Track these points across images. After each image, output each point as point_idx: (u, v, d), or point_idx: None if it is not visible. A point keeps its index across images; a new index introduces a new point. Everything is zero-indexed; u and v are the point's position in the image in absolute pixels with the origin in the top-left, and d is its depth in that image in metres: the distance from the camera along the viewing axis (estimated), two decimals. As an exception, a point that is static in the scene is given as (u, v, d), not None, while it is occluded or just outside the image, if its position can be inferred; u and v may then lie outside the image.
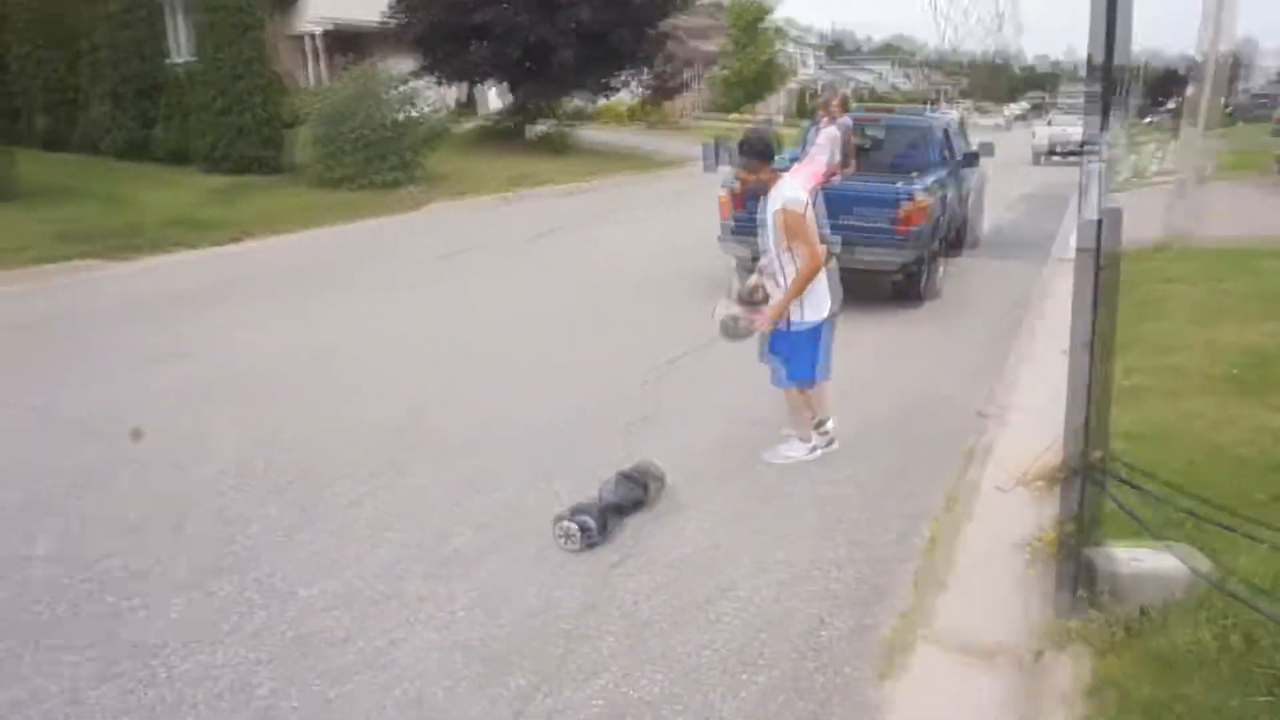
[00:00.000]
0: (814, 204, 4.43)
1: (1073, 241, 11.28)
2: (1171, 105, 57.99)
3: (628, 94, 26.94)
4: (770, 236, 4.42)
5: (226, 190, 12.69)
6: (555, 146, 20.26)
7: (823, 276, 4.41)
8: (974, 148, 10.12)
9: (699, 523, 3.87)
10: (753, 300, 4.59)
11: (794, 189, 4.36)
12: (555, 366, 6.15)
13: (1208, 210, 10.08)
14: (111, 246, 9.01)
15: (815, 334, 4.47)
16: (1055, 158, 28.97)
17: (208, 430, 4.84)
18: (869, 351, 6.52)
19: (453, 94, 26.45)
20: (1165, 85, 71.06)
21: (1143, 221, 12.12)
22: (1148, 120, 59.76)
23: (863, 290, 8.36)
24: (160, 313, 7.11)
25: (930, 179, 7.76)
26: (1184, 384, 5.21)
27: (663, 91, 31.30)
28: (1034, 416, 5.22)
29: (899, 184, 7.30)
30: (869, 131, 8.87)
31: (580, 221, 12.75)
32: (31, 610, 3.16)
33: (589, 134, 24.18)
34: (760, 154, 4.37)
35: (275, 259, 9.49)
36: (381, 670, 2.86)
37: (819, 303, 4.46)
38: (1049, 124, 29.13)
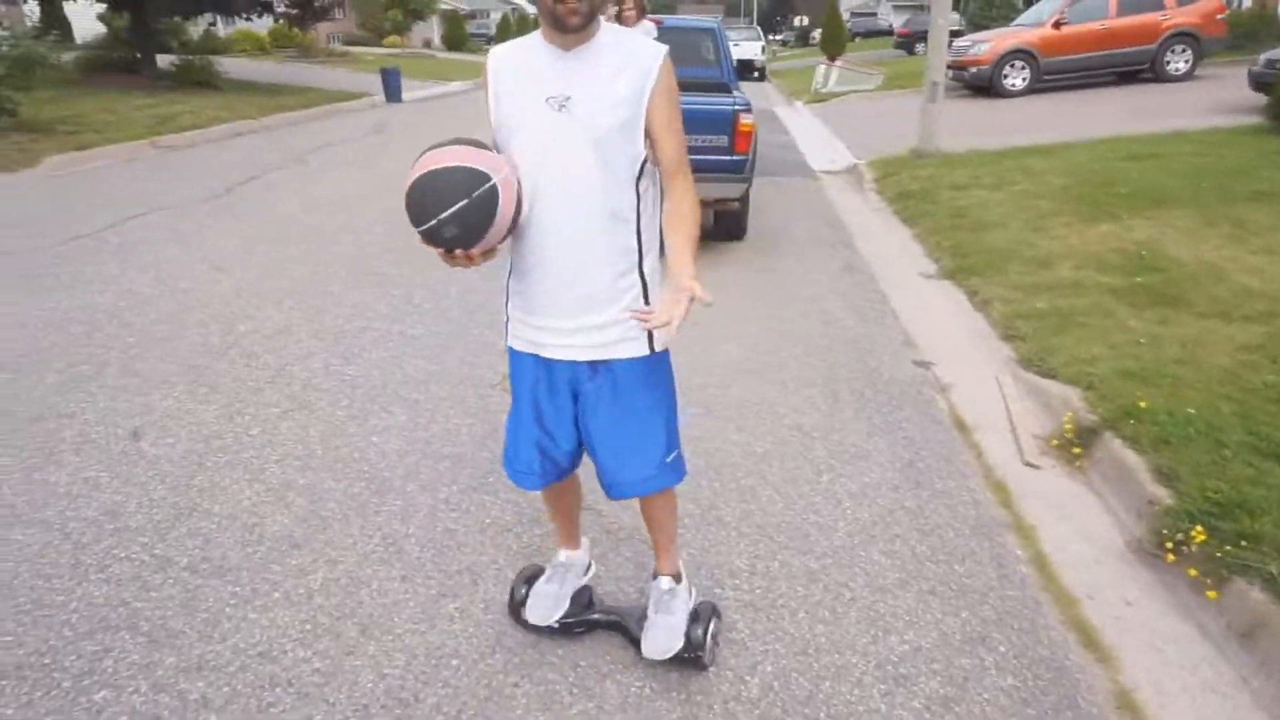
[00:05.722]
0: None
1: (830, 156, 10.49)
2: (797, 25, 63.57)
3: (257, 19, 22.98)
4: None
5: None
6: (199, 80, 16.46)
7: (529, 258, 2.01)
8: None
9: (750, 611, 2.58)
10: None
11: None
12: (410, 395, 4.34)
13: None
14: None
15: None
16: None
17: None
18: (754, 300, 5.46)
19: (28, 10, 20.81)
20: (776, 8, 77.82)
21: (864, 133, 12.41)
22: (780, 38, 65.17)
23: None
24: None
25: (741, 93, 6.69)
26: (1097, 301, 4.82)
27: (312, 14, 27.63)
28: (967, 359, 4.55)
29: (725, 99, 6.19)
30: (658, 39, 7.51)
31: (277, 168, 10.17)
32: None
33: (233, 64, 20.26)
34: None
35: None
36: None
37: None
38: None
